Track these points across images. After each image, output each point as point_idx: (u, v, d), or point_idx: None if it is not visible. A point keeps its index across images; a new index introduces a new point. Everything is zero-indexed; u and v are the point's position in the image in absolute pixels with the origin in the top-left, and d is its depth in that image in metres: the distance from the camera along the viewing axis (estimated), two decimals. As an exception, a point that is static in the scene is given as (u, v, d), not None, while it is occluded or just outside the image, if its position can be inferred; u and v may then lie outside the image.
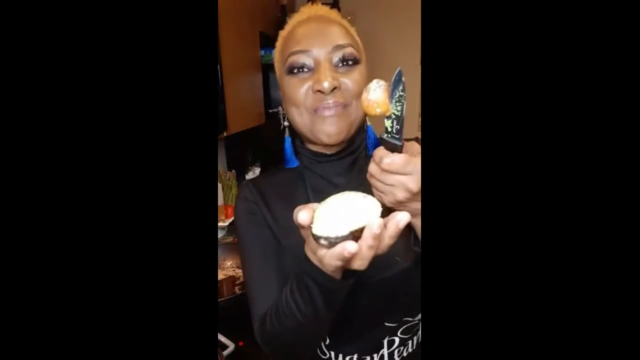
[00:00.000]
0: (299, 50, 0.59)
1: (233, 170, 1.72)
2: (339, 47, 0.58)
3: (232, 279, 1.23)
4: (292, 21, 0.64)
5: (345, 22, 0.64)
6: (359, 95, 0.57)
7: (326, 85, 0.56)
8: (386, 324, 0.65)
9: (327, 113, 0.58)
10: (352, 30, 0.64)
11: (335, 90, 0.57)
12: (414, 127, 2.65)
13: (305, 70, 0.59)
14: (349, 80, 0.59)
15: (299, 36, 0.60)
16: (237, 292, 1.16)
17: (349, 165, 0.65)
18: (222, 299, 0.99)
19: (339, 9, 2.35)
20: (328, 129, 0.58)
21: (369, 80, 0.50)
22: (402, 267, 0.60)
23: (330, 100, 0.58)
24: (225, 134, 1.38)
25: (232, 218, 1.58)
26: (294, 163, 0.67)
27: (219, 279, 1.22)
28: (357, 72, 0.60)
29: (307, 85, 0.59)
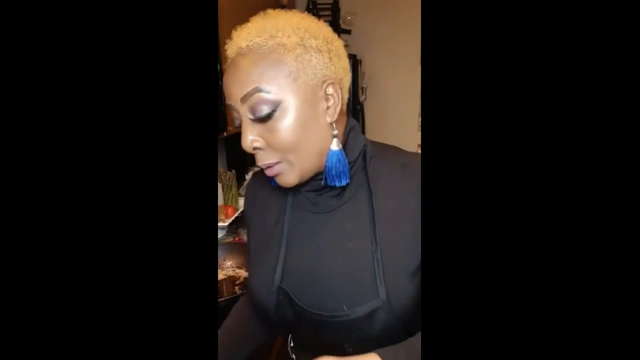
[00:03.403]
0: (227, 102, 0.50)
1: (233, 170, 1.71)
2: (244, 98, 0.47)
3: (232, 279, 1.23)
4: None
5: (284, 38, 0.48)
6: (297, 143, 0.48)
7: (244, 146, 0.49)
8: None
9: (269, 173, 0.52)
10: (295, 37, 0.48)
11: (258, 151, 0.50)
12: (414, 127, 2.65)
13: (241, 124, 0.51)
14: (273, 136, 0.48)
15: (224, 83, 0.50)
16: (237, 292, 1.15)
17: (319, 191, 0.57)
18: (222, 299, 0.99)
19: (338, 9, 2.34)
20: (280, 183, 0.52)
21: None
22: (351, 318, 0.52)
23: (261, 163, 0.50)
24: (225, 134, 1.38)
25: (232, 218, 1.58)
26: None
27: (219, 279, 1.22)
28: (281, 121, 0.47)
29: None
